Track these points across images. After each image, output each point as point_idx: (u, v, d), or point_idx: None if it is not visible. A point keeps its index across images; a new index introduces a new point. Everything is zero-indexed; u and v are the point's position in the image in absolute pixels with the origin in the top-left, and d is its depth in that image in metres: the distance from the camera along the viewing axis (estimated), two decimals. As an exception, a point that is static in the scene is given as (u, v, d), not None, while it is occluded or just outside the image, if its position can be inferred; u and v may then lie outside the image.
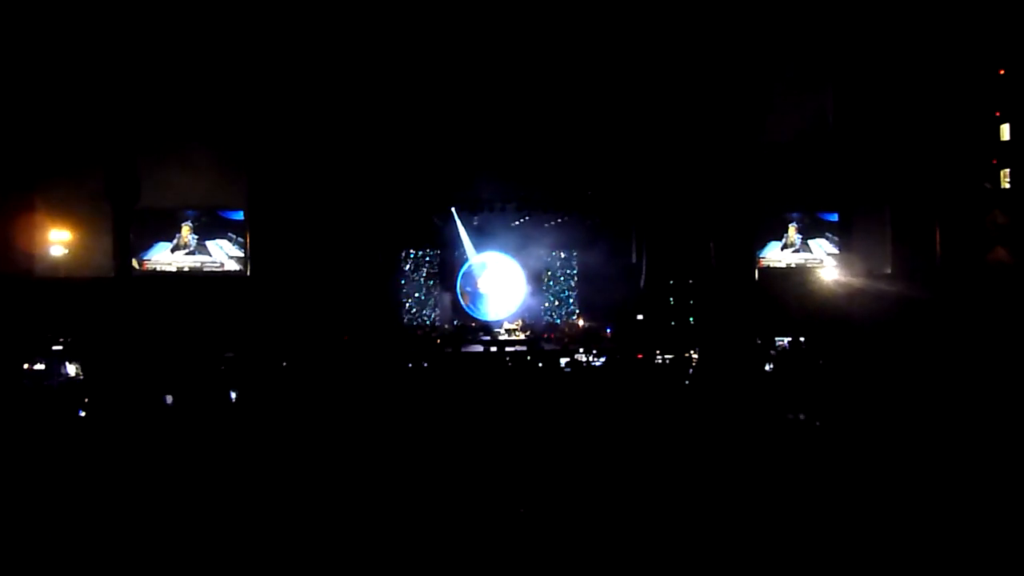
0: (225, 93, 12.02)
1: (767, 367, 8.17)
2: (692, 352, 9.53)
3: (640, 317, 14.32)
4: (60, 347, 9.54)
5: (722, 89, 12.09)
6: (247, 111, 12.28)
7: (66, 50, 11.25)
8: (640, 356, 9.42)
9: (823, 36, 11.49)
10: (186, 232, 12.94)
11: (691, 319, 14.19)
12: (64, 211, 11.95)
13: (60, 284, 11.61)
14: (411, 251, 15.54)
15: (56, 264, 11.98)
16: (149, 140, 12.14)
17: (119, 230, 12.37)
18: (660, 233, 14.10)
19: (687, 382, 7.52)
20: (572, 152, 13.11)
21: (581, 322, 15.53)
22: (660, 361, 9.31)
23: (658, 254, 14.25)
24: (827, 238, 13.44)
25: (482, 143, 12.87)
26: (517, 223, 15.43)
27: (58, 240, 11.95)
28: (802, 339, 9.74)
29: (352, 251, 13.50)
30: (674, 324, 14.16)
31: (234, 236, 13.01)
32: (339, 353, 10.72)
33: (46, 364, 9.42)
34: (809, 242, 13.43)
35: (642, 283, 14.46)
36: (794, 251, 13.44)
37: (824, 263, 13.34)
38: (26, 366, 9.24)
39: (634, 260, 14.79)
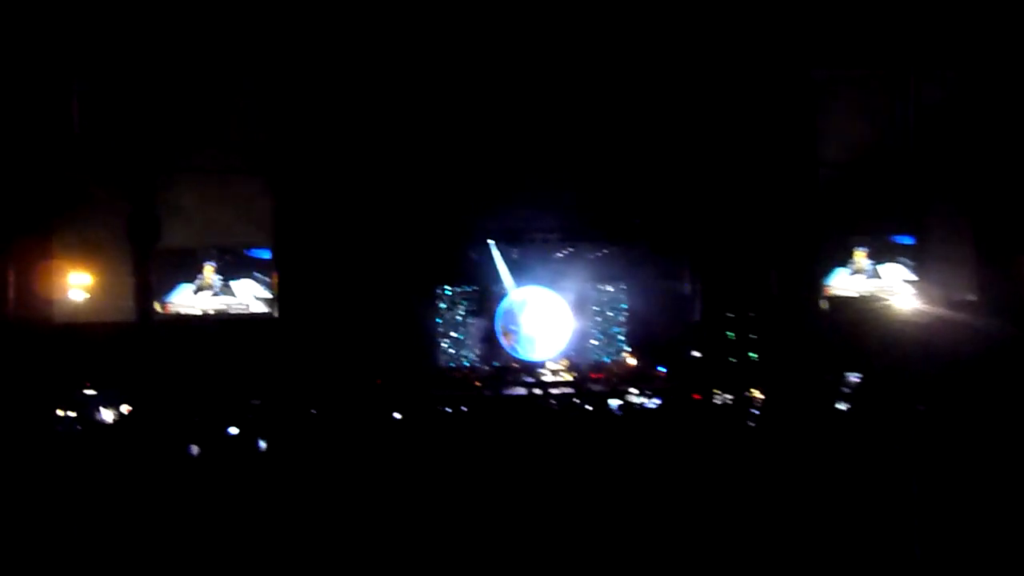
0: (249, 128, 12.34)
1: (840, 406, 7.88)
2: (754, 391, 9.35)
3: (696, 354, 14.14)
4: (92, 392, 10.00)
5: (781, 101, 11.95)
6: (272, 146, 12.57)
7: (81, 88, 11.69)
8: (697, 396, 9.35)
9: (893, 38, 11.32)
10: (209, 273, 13.10)
11: (752, 355, 13.90)
12: (83, 254, 12.26)
13: (81, 330, 11.89)
14: (447, 287, 15.59)
15: (76, 309, 12.23)
16: (170, 178, 12.47)
17: (140, 272, 12.56)
18: (715, 261, 13.96)
19: (751, 424, 7.39)
20: (617, 177, 13.11)
21: (631, 360, 15.38)
22: (720, 402, 9.18)
23: (714, 284, 14.09)
24: (901, 263, 13.00)
25: (521, 171, 12.94)
26: (560, 255, 15.39)
27: (78, 284, 12.20)
28: (878, 375, 9.46)
29: (384, 289, 13.61)
30: (733, 360, 13.88)
31: (260, 276, 13.12)
32: (372, 398, 10.81)
33: (77, 410, 9.80)
34: (881, 268, 13.01)
35: (697, 316, 14.28)
36: (865, 278, 13.03)
37: (898, 291, 12.89)
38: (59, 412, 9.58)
39: (687, 291, 14.61)
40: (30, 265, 12.06)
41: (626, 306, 15.80)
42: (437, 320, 15.40)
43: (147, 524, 4.44)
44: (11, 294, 11.90)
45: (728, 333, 14.02)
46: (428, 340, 15.16)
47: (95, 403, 9.89)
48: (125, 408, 10.24)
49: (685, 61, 11.61)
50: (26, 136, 11.59)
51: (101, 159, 12.03)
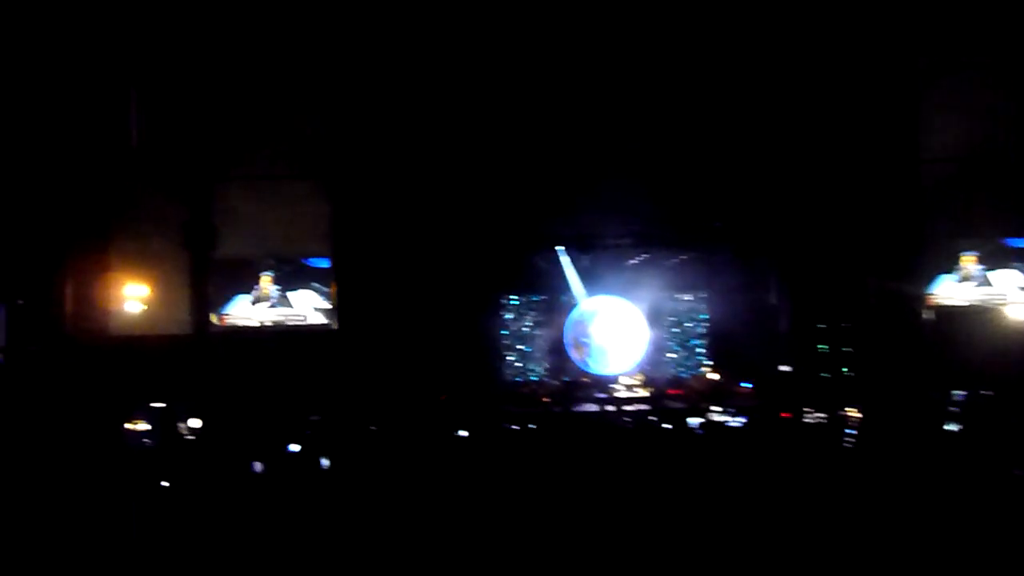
0: (305, 132, 12.72)
1: (949, 427, 7.70)
2: (850, 410, 9.19)
3: (784, 368, 13.98)
4: (162, 405, 10.46)
5: (880, 91, 11.65)
6: (329, 150, 12.89)
7: (138, 97, 12.22)
8: (786, 415, 9.21)
9: (1005, 21, 11.09)
10: (266, 283, 13.45)
11: (847, 370, 13.63)
12: (139, 265, 12.71)
13: (137, 343, 12.37)
14: (513, 297, 15.68)
15: (132, 321, 12.72)
16: (226, 186, 12.89)
17: (196, 283, 12.79)
18: (806, 267, 13.75)
19: (847, 446, 7.26)
20: (695, 176, 13.01)
21: (713, 375, 15.27)
22: (811, 421, 9.07)
23: (804, 293, 13.90)
24: (1015, 268, 12.53)
25: (591, 172, 12.95)
26: (634, 262, 15.37)
27: (134, 296, 12.66)
28: (990, 393, 9.17)
29: (448, 299, 13.85)
30: (826, 376, 13.65)
31: (319, 286, 13.40)
32: (435, 415, 10.96)
33: (149, 424, 10.31)
34: (991, 274, 12.55)
35: (785, 327, 14.13)
36: (973, 285, 12.60)
37: (1012, 299, 12.42)
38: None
39: (774, 301, 14.48)
40: (87, 277, 12.48)
41: (706, 316, 15.72)
42: (503, 332, 15.52)
43: (213, 542, 4.61)
44: (68, 306, 12.40)
45: (820, 346, 13.82)
46: (493, 353, 15.29)
47: (156, 418, 10.29)
48: (184, 424, 10.60)
49: (772, 46, 11.46)
50: (82, 146, 12.15)
51: (157, 168, 12.53)
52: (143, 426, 10.42)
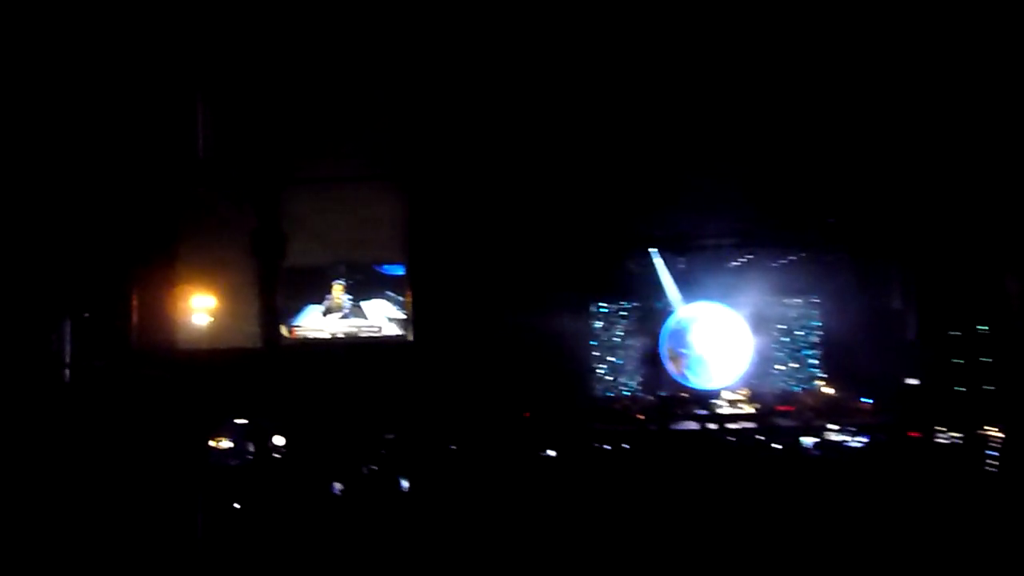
0: (379, 132, 12.82)
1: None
2: (990, 429, 8.83)
3: (912, 381, 13.59)
4: (234, 423, 10.95)
5: (1008, 62, 11.05)
6: (403, 149, 12.97)
7: (204, 100, 12.34)
8: (915, 434, 8.95)
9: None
10: (338, 292, 13.68)
11: (986, 383, 13.03)
12: (206, 275, 13.02)
13: (205, 357, 12.60)
14: (603, 304, 15.61)
15: (199, 334, 13.05)
16: (295, 190, 12.92)
17: (265, 293, 13.07)
18: (935, 267, 13.37)
19: (988, 470, 6.95)
20: (805, 166, 12.66)
21: (828, 389, 15.03)
22: (945, 441, 8.76)
23: (933, 295, 13.48)
24: None
25: (687, 164, 12.65)
26: (737, 263, 15.17)
27: (201, 307, 13.00)
28: None
29: (532, 307, 13.85)
30: (962, 390, 13.07)
31: (394, 295, 13.57)
32: (520, 432, 10.99)
33: (233, 441, 10.84)
34: None
35: (912, 335, 13.75)
36: None
37: None
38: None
39: (898, 305, 14.13)
40: (154, 288, 12.62)
41: (820, 323, 15.50)
42: (592, 342, 15.48)
43: (292, 567, 4.69)
44: (135, 319, 12.86)
45: (953, 356, 13.30)
46: (582, 366, 15.26)
47: (226, 436, 10.89)
48: (254, 442, 11.00)
49: (895, 24, 10.74)
50: (147, 154, 12.12)
51: (223, 174, 12.77)
52: (217, 444, 11.01)
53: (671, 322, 15.62)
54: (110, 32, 11.32)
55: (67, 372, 12.26)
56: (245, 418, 11.97)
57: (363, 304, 13.65)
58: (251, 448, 11.23)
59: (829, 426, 11.43)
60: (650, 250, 15.24)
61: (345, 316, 13.69)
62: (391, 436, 11.23)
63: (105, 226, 12.32)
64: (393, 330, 13.59)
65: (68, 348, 12.14)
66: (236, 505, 6.66)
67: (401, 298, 13.60)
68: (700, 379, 15.53)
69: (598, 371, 15.61)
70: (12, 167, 10.93)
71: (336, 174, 13.18)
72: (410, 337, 13.54)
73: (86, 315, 12.41)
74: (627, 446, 9.41)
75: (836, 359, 15.08)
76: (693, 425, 13.51)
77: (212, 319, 13.06)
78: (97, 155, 12.01)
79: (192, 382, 11.80)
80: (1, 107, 10.47)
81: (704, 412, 14.50)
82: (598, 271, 14.92)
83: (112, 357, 12.24)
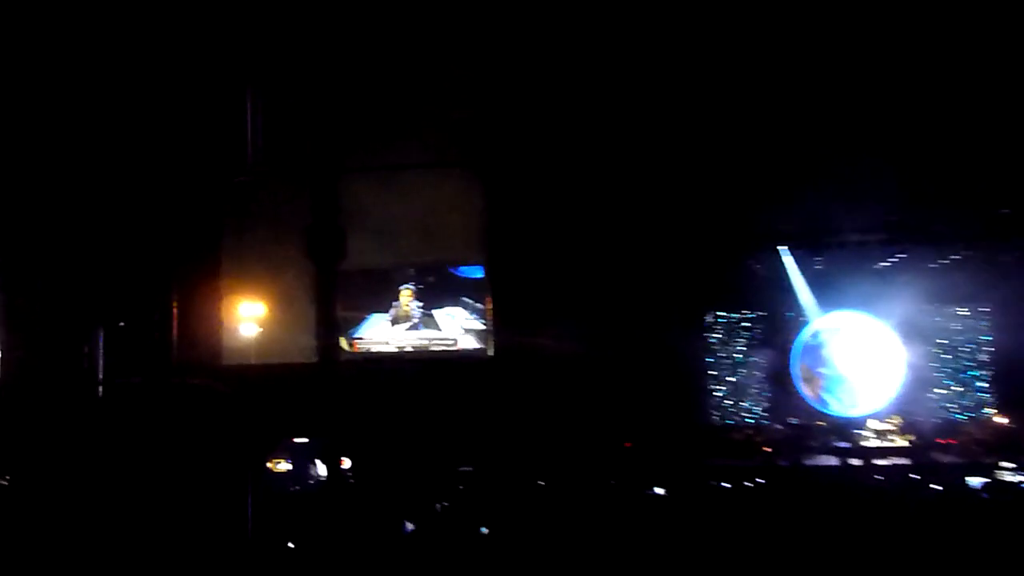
0: (453, 112, 13.00)
1: None
2: None
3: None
4: (305, 440, 11.38)
5: None
6: (482, 131, 13.12)
7: (255, 81, 12.85)
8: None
9: None
10: (407, 299, 13.89)
11: None
12: (255, 280, 13.41)
13: (253, 373, 13.02)
14: (720, 314, 15.48)
15: (247, 347, 13.46)
16: (356, 180, 12.93)
17: (322, 300, 13.49)
18: None
19: None
20: (966, 145, 12.43)
21: (1000, 419, 14.76)
22: None
23: None
24: None
25: (821, 145, 12.54)
26: (885, 264, 14.93)
27: (249, 316, 13.37)
28: None
29: (634, 317, 13.82)
30: None
31: (471, 302, 13.72)
32: (620, 467, 11.06)
33: (293, 462, 11.23)
34: None
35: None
36: None
37: None
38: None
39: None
40: (197, 295, 13.44)
41: (990, 337, 15.14)
42: (708, 359, 15.35)
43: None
44: (176, 330, 13.29)
45: None
46: (696, 387, 15.15)
47: (318, 452, 11.15)
48: (309, 473, 11.50)
49: None
50: (191, 150, 12.85)
51: (274, 166, 13.16)
52: (275, 466, 11.47)
53: (805, 335, 15.41)
54: (145, 22, 11.85)
55: (100, 389, 12.93)
56: (299, 446, 12.34)
57: (435, 313, 13.83)
58: (314, 472, 11.72)
59: (1002, 464, 11.11)
60: (779, 248, 15.02)
61: (414, 327, 13.87)
62: (468, 468, 11.33)
63: (141, 225, 12.77)
64: (470, 343, 13.72)
65: (100, 362, 12.87)
66: (291, 544, 6.84)
67: (480, 305, 13.72)
68: (841, 404, 15.30)
69: (715, 394, 15.48)
70: (40, 158, 11.65)
71: (402, 161, 13.35)
72: (490, 351, 13.66)
73: (121, 324, 12.95)
74: (750, 485, 9.27)
75: (1010, 381, 14.73)
76: (832, 461, 13.29)
77: (261, 330, 13.40)
78: (132, 146, 12.45)
79: (246, 396, 12.42)
80: (35, 96, 11.23)
81: (846, 445, 14.28)
82: (715, 273, 14.81)
83: (151, 373, 12.84)
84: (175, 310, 13.35)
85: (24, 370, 11.94)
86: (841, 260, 14.90)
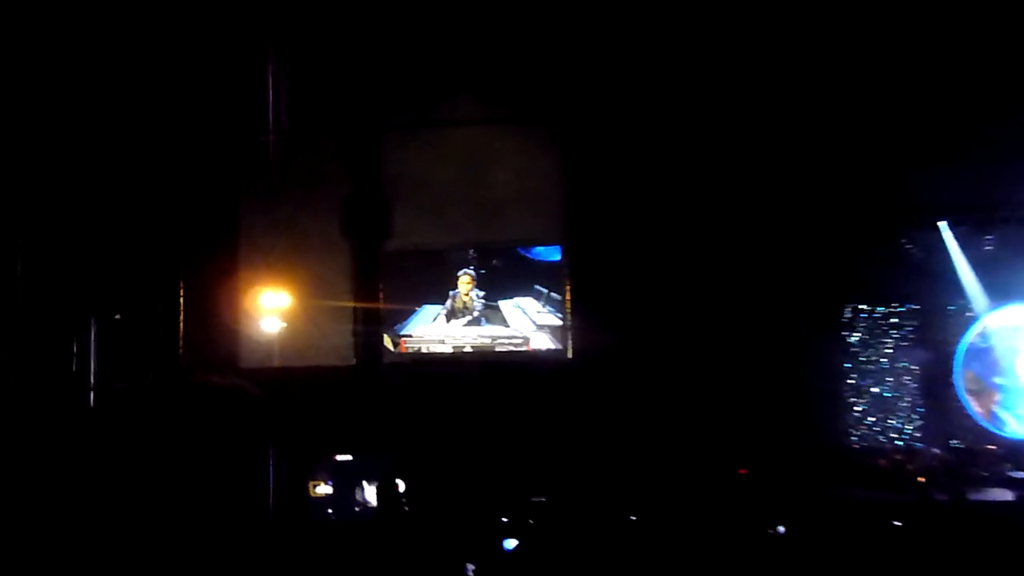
0: (526, 58, 12.81)
1: None
2: None
3: None
4: (349, 458, 11.65)
5: None
6: (562, 85, 13.02)
7: (277, 46, 12.69)
8: None
9: None
10: (466, 287, 13.83)
11: None
12: (279, 263, 13.27)
13: (277, 378, 12.78)
14: (862, 307, 15.10)
15: (269, 347, 13.35)
16: (403, 141, 13.56)
17: (362, 289, 13.74)
18: None
19: None
20: None
21: None
22: None
23: None
24: None
25: (991, 93, 12.39)
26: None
27: (272, 308, 13.12)
28: None
29: (749, 311, 13.51)
30: None
31: (545, 291, 13.66)
32: (732, 498, 10.94)
33: (334, 484, 11.46)
34: None
35: None
36: None
37: None
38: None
39: None
40: (209, 281, 13.61)
41: None
42: (844, 365, 14.98)
43: None
44: (183, 324, 13.59)
45: None
46: (827, 400, 14.76)
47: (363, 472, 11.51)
48: (360, 493, 11.71)
49: None
50: (206, 116, 13.16)
51: (303, 120, 13.06)
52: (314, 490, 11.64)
53: (971, 335, 14.88)
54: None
55: (91, 396, 13.02)
56: (335, 468, 12.38)
57: (501, 305, 13.82)
58: (360, 496, 11.81)
59: None
60: (937, 224, 14.56)
61: (475, 322, 13.87)
62: (542, 498, 11.16)
63: (142, 195, 13.06)
64: (544, 342, 13.72)
65: (93, 364, 12.93)
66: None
67: (556, 296, 13.70)
68: (1018, 423, 14.74)
69: (854, 409, 15.06)
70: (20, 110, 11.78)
71: (459, 116, 13.47)
72: (568, 353, 13.66)
73: (117, 317, 13.24)
74: (899, 524, 8.97)
75: None
76: (1006, 495, 12.83)
77: (286, 325, 13.27)
78: (131, 100, 12.70)
79: (255, 415, 12.43)
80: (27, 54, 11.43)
81: (1024, 476, 13.77)
82: (855, 256, 14.37)
83: (152, 378, 13.01)
84: (182, 300, 13.59)
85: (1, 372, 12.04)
86: (1017, 239, 14.39)
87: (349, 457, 11.95)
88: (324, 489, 11.96)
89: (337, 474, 12.08)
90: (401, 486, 9.88)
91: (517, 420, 12.84)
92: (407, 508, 9.13)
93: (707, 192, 13.28)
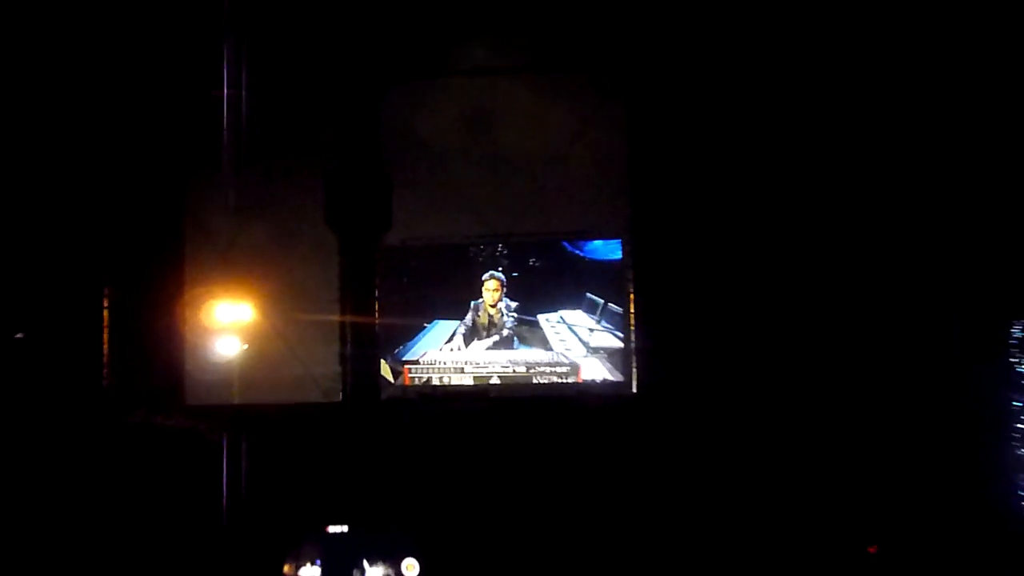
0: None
1: None
2: None
3: None
4: (343, 530, 11.52)
5: None
6: (624, 24, 12.72)
7: None
8: None
9: None
10: (493, 296, 13.29)
11: None
12: (240, 263, 12.97)
13: (234, 418, 12.57)
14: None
15: (225, 376, 12.90)
16: (405, 94, 13.13)
17: (352, 297, 13.17)
18: None
19: None
20: None
21: None
22: None
23: None
24: None
25: None
26: None
27: (230, 325, 12.80)
28: None
29: (883, 331, 13.00)
30: None
31: (601, 302, 13.15)
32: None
33: (324, 566, 11.28)
34: None
35: None
36: None
37: None
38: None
39: None
40: (143, 287, 13.30)
41: None
42: (1012, 401, 14.17)
43: None
44: (107, 345, 13.33)
45: None
46: (990, 449, 13.91)
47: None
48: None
49: None
50: (128, 43, 12.87)
51: (274, 73, 12.87)
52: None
53: None
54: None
55: None
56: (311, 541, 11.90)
57: (540, 320, 13.31)
58: None
59: None
60: None
61: (504, 342, 13.44)
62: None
63: (51, 174, 13.18)
64: (598, 371, 13.26)
65: None
66: None
67: (616, 308, 13.25)
68: None
69: (1025, 461, 14.40)
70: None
71: (484, 62, 13.14)
72: (632, 386, 13.19)
73: (19, 336, 13.24)
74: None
75: None
76: None
77: (248, 347, 13.05)
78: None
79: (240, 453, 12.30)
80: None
81: None
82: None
83: (66, 413, 12.92)
84: (107, 312, 13.38)
85: None
86: None
87: (344, 528, 11.45)
88: (310, 572, 11.40)
89: (328, 551, 11.54)
90: (415, 568, 10.60)
91: (565, 479, 12.44)
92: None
93: (830, 168, 12.86)
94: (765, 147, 12.75)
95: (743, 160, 12.77)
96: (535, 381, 13.15)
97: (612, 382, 13.04)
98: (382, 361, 13.35)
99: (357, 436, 12.88)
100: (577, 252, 13.15)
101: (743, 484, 12.28)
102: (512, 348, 13.22)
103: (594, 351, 13.07)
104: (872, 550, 12.37)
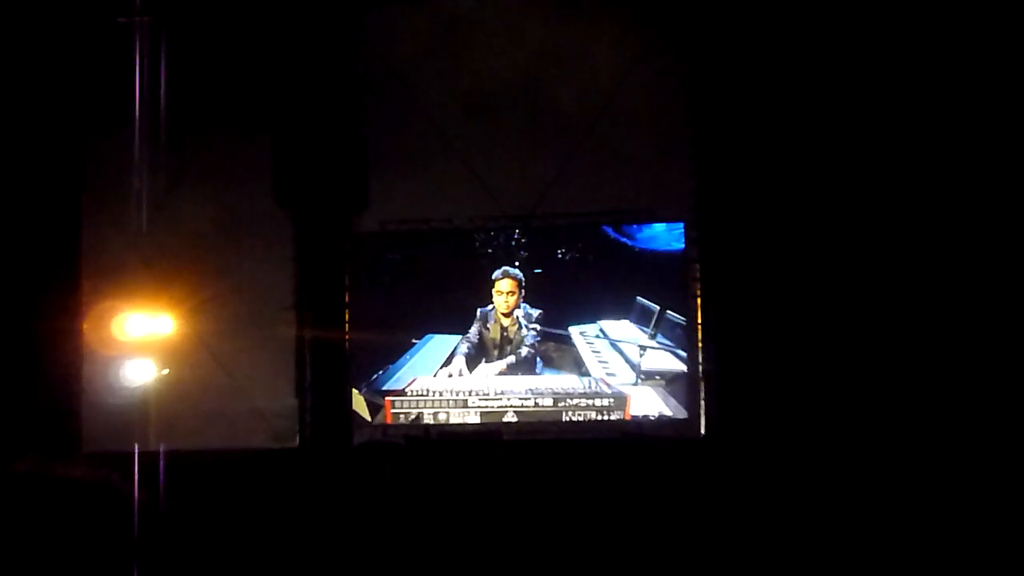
0: None
1: None
2: None
3: None
4: None
5: None
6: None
7: None
8: None
9: None
10: (508, 300, 12.88)
11: None
12: (157, 260, 12.94)
13: (153, 474, 12.09)
14: None
15: (141, 410, 12.63)
16: (394, 26, 12.89)
17: (313, 304, 12.99)
18: None
19: None
20: None
21: None
22: None
23: None
24: None
25: None
26: None
27: (143, 343, 12.62)
28: None
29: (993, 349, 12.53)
30: None
31: (655, 309, 12.74)
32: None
33: None
34: None
35: None
36: None
37: None
38: None
39: None
40: (26, 292, 12.84)
41: None
42: None
43: None
44: None
45: None
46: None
47: None
48: None
49: None
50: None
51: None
52: None
53: None
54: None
55: None
56: None
57: (573, 333, 12.82)
58: None
59: None
60: None
61: (523, 364, 12.98)
62: None
63: None
64: (652, 404, 12.88)
65: None
66: None
67: (676, 317, 12.81)
68: None
69: None
70: None
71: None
72: (701, 425, 12.80)
73: None
74: None
75: None
76: None
77: (169, 373, 12.73)
78: None
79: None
80: None
81: None
82: None
83: None
84: None
85: None
86: None
87: None
88: None
89: None
90: None
91: (605, 558, 11.77)
92: None
93: (948, 146, 12.31)
94: (873, 115, 12.28)
95: (844, 132, 12.34)
96: (565, 418, 12.76)
97: (672, 419, 12.70)
98: (355, 392, 12.93)
99: (320, 494, 12.42)
100: (624, 240, 12.79)
101: (852, 549, 11.42)
102: (534, 373, 12.85)
103: (647, 376, 12.65)
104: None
